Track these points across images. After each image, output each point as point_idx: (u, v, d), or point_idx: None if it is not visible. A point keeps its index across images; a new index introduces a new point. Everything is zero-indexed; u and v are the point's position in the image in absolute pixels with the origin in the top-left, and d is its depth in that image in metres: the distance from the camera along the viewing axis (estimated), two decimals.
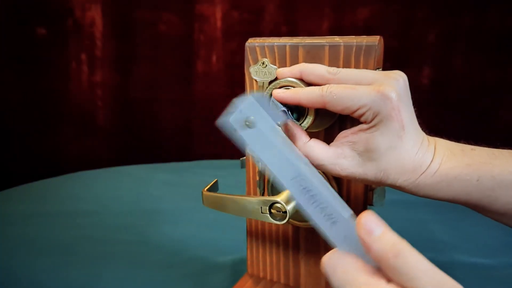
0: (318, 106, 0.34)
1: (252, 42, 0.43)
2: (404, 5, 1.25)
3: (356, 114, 0.33)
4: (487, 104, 1.25)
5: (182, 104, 1.35)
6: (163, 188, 0.97)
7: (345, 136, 0.35)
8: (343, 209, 0.26)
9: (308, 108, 0.36)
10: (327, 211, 0.27)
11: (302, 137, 0.36)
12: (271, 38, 0.43)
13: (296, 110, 0.37)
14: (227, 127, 0.31)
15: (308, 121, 0.37)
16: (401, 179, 0.33)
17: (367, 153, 0.33)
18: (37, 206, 0.84)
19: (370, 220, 0.23)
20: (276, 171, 0.29)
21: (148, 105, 1.34)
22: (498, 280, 0.59)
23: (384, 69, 0.40)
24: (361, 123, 0.34)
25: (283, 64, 0.42)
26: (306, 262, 0.48)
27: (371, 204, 0.43)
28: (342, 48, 0.39)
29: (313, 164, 0.35)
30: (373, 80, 0.33)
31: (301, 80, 0.37)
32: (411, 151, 0.33)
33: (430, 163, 0.33)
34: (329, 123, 0.41)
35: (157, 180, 1.02)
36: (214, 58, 1.32)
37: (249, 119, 0.30)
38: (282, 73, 0.38)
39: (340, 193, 0.43)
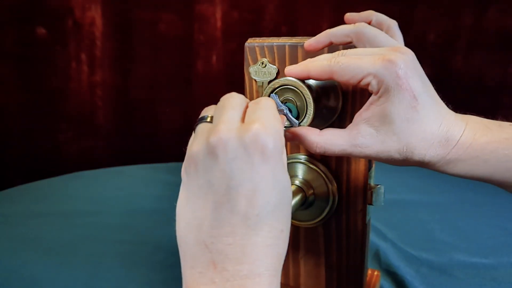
0: (326, 77, 0.34)
1: (252, 42, 0.43)
2: (404, 4, 1.25)
3: (362, 83, 0.32)
4: (487, 104, 1.25)
5: (182, 104, 1.35)
6: (163, 188, 0.97)
7: (359, 115, 0.34)
8: None
9: (307, 107, 0.36)
10: None
11: (313, 131, 0.35)
12: (271, 38, 0.43)
13: (295, 109, 0.37)
14: None
15: (307, 120, 0.36)
16: (429, 155, 0.32)
17: (384, 128, 0.32)
18: (37, 206, 0.84)
19: None
20: None
21: (148, 105, 1.34)
22: (498, 280, 0.59)
23: None
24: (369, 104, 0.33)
25: (282, 64, 0.42)
26: (306, 262, 0.48)
27: (371, 204, 0.43)
28: (341, 48, 0.39)
29: (334, 153, 0.34)
30: (379, 52, 0.33)
31: (302, 81, 0.37)
32: (433, 123, 0.32)
33: (460, 137, 0.32)
34: (328, 122, 0.41)
35: (157, 180, 1.02)
36: (214, 58, 1.32)
37: None
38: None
39: (339, 192, 0.43)
